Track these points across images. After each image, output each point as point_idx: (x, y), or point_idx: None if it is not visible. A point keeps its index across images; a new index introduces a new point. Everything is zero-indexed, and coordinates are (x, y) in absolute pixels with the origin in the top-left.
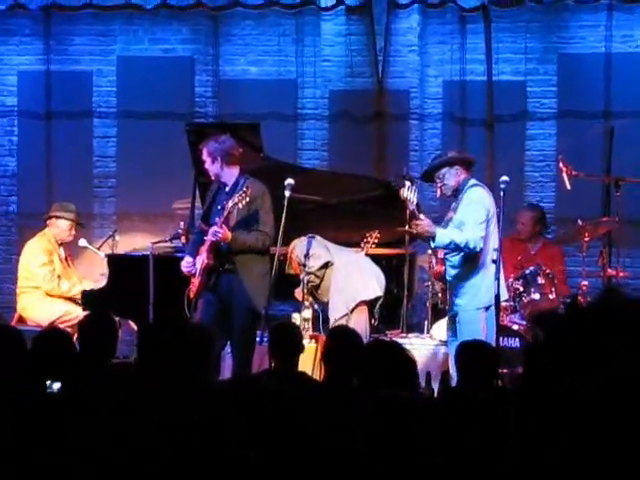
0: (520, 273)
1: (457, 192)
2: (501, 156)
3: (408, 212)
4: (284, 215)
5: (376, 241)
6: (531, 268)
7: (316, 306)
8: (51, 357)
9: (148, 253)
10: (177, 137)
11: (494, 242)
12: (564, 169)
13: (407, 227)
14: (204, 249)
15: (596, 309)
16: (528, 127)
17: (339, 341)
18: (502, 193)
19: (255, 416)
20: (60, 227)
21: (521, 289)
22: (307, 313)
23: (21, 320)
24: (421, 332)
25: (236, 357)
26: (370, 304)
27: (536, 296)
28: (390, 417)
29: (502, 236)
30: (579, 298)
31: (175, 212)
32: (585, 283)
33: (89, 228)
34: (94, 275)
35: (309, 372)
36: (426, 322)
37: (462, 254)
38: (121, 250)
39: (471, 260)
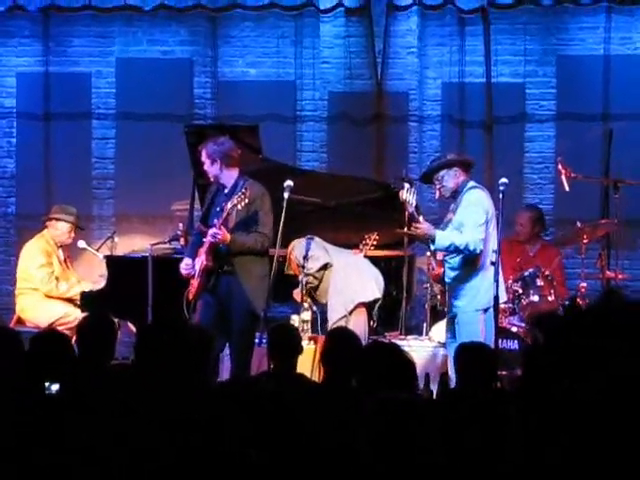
0: (519, 275)
1: (456, 194)
2: (500, 158)
3: (407, 214)
4: (283, 217)
5: (375, 243)
6: (530, 270)
7: (315, 308)
8: (49, 358)
9: (147, 254)
10: (176, 139)
11: (493, 244)
12: (563, 171)
13: (406, 229)
14: (203, 251)
15: (595, 311)
16: (527, 129)
17: (338, 343)
18: (501, 195)
19: (254, 417)
20: (60, 229)
21: (520, 291)
22: (306, 315)
23: (20, 321)
24: (420, 334)
25: (235, 359)
26: (369, 306)
27: (535, 298)
28: (389, 418)
29: (501, 238)
30: (578, 300)
31: (174, 214)
32: (584, 285)
33: (88, 230)
34: (93, 276)
35: (308, 374)
36: (425, 324)
37: (461, 256)
38: (120, 252)
39: (470, 262)
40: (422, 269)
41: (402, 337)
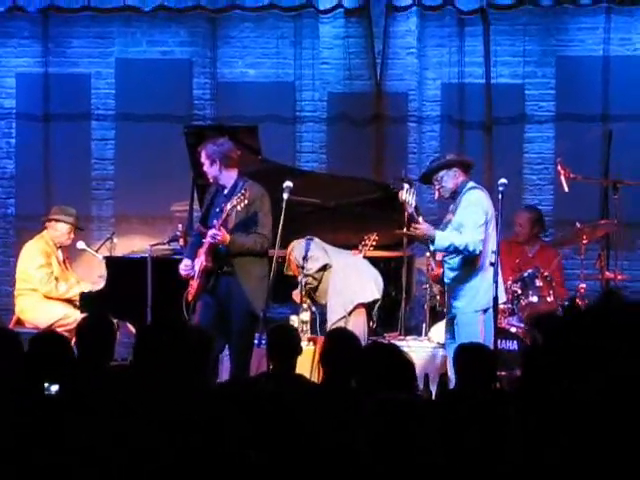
0: (518, 276)
1: (455, 194)
2: (499, 159)
3: (406, 214)
4: (282, 217)
5: (374, 244)
6: (529, 271)
7: (314, 308)
8: (48, 359)
9: (146, 255)
10: (175, 139)
11: (492, 245)
12: (562, 172)
13: (406, 230)
14: (202, 252)
15: (594, 312)
16: (526, 130)
17: (337, 343)
18: (500, 196)
19: (253, 418)
20: (59, 230)
21: (519, 292)
22: (305, 315)
23: (19, 322)
24: (419, 335)
25: (234, 359)
26: (368, 307)
27: (534, 299)
28: (389, 419)
29: (500, 239)
30: (577, 301)
31: (173, 214)
32: (583, 286)
33: (87, 230)
34: (92, 277)
35: (307, 374)
36: (424, 325)
37: (460, 256)
38: (119, 252)
39: (469, 262)
40: (421, 270)
41: (401, 338)
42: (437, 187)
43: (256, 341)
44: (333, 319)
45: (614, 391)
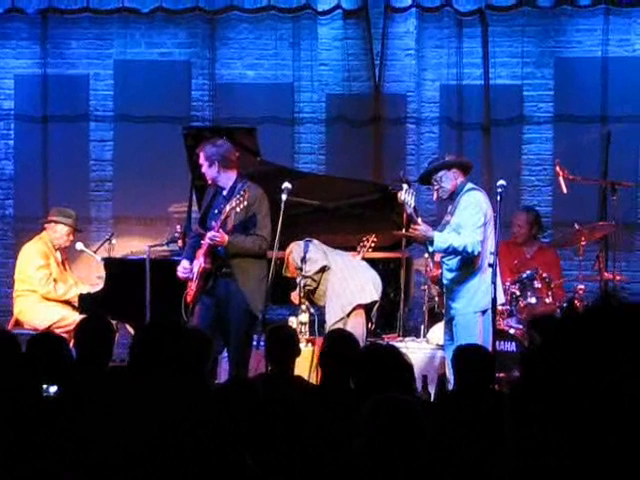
0: (517, 277)
1: (454, 195)
2: (498, 160)
3: (405, 215)
4: (281, 219)
5: (373, 245)
6: (528, 272)
7: (312, 310)
8: (46, 360)
9: (145, 257)
10: (174, 141)
11: (491, 246)
12: (561, 173)
13: (404, 231)
14: (201, 253)
15: (593, 313)
16: (525, 131)
17: (336, 345)
18: (499, 197)
19: (252, 420)
20: (58, 232)
21: (518, 293)
22: (304, 317)
23: (18, 324)
24: (418, 336)
25: (233, 361)
26: (367, 308)
27: (533, 300)
28: (387, 420)
29: (499, 240)
30: (576, 302)
31: (172, 216)
32: (582, 287)
33: (86, 232)
34: (91, 279)
35: (305, 376)
36: (423, 326)
37: (459, 257)
38: (118, 254)
39: (468, 264)
40: (420, 271)
41: (400, 339)
42: (436, 188)
43: (255, 342)
44: (332, 320)
45: (613, 393)
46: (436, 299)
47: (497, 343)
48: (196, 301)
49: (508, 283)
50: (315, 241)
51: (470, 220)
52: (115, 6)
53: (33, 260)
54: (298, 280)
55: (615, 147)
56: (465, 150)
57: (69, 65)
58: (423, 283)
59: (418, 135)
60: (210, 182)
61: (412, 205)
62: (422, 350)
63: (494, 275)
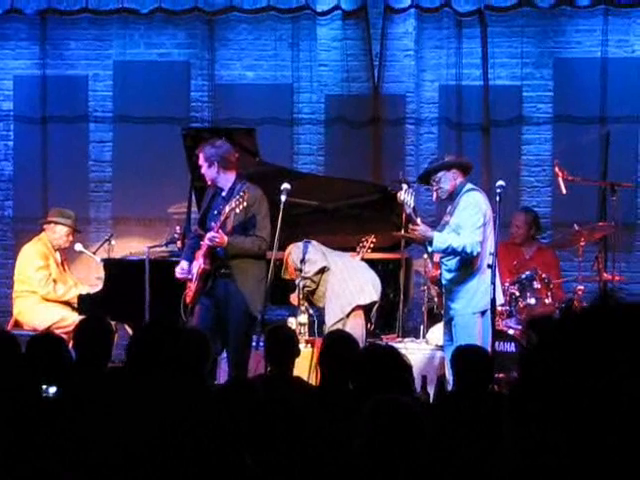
0: (516, 278)
1: (453, 196)
2: (497, 161)
3: (404, 215)
4: (280, 220)
5: (372, 246)
6: (527, 273)
7: (312, 311)
8: (46, 361)
9: (144, 257)
10: (173, 141)
11: (490, 246)
12: (560, 174)
13: (403, 231)
14: (201, 254)
15: (591, 313)
16: (524, 132)
17: (335, 345)
18: (498, 198)
19: (251, 420)
20: (57, 233)
21: (517, 294)
22: (303, 318)
23: (17, 324)
24: (417, 336)
25: (232, 362)
26: (366, 309)
27: (532, 301)
28: (386, 421)
29: (498, 241)
30: (575, 303)
31: (171, 216)
32: (581, 287)
33: (85, 233)
34: (90, 279)
35: (305, 376)
36: (422, 326)
37: (458, 258)
38: (117, 254)
39: (467, 264)
40: (419, 271)
41: (399, 340)
42: (435, 188)
43: (254, 343)
44: (331, 321)
45: (611, 393)
46: (435, 300)
47: (496, 344)
48: (195, 302)
49: (507, 284)
50: (314, 242)
51: (469, 221)
52: (114, 7)
53: (33, 261)
54: (297, 281)
55: (614, 148)
56: (464, 151)
57: (68, 66)
58: (422, 284)
59: (417, 136)
60: (209, 183)
61: (411, 205)
62: (421, 351)
63: (493, 276)
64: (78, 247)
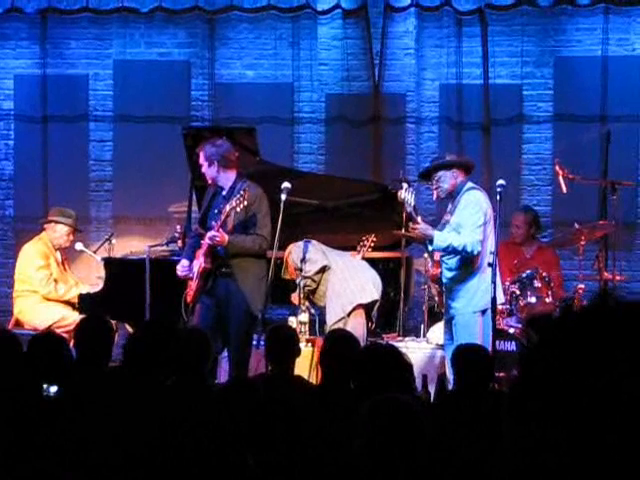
0: (516, 276)
1: (454, 195)
2: (497, 160)
3: (405, 214)
4: (280, 219)
5: (372, 245)
6: (527, 271)
7: (312, 310)
8: (47, 360)
9: (145, 257)
10: (173, 141)
11: (491, 245)
12: (560, 172)
13: (404, 230)
14: (201, 253)
15: (591, 311)
16: (524, 130)
17: (336, 344)
18: (499, 196)
19: (252, 420)
20: (58, 232)
21: (517, 292)
22: (304, 317)
23: (18, 324)
24: (417, 335)
25: (233, 361)
26: (367, 308)
27: (532, 299)
28: (386, 420)
29: (499, 240)
30: (575, 301)
31: (172, 216)
32: (582, 286)
33: (86, 232)
34: (91, 279)
35: (305, 376)
36: (422, 325)
37: (459, 257)
38: (118, 254)
39: (467, 263)
40: (419, 271)
41: (400, 339)
42: (434, 187)
43: (255, 342)
44: (332, 320)
45: (611, 391)
46: (436, 299)
47: (497, 342)
48: (196, 301)
49: (508, 282)
50: (314, 241)
51: (470, 219)
52: (114, 6)
53: (33, 260)
54: (298, 281)
55: (615, 146)
56: (465, 150)
57: (68, 65)
58: (423, 283)
59: (417, 135)
60: (210, 182)
61: (412, 204)
62: (422, 350)
63: (494, 274)
64: (79, 246)
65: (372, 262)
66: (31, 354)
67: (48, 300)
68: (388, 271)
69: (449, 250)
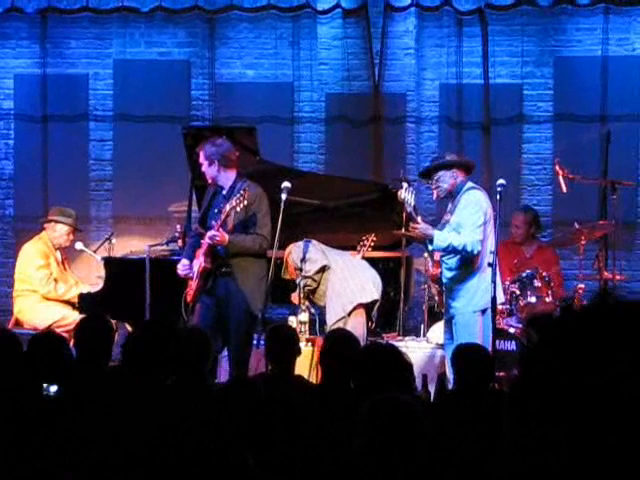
0: (516, 276)
1: (454, 194)
2: (498, 159)
3: (405, 214)
4: (280, 218)
5: (372, 244)
6: (527, 271)
7: (312, 309)
8: (47, 360)
9: (145, 256)
10: (173, 140)
11: (491, 245)
12: (560, 172)
13: (404, 230)
14: (201, 252)
15: (591, 311)
16: (525, 130)
17: (336, 344)
18: (499, 196)
19: (252, 419)
20: (58, 231)
21: (517, 292)
22: (304, 316)
23: (18, 323)
24: (418, 335)
25: (233, 360)
26: (367, 307)
27: (532, 299)
28: (386, 420)
29: (499, 239)
30: (575, 301)
31: (172, 215)
32: (582, 286)
33: (86, 231)
34: (91, 278)
35: (306, 375)
36: (422, 325)
37: (459, 257)
38: (118, 253)
39: (467, 263)
40: (420, 270)
41: (400, 338)
42: (434, 187)
43: (255, 342)
44: (332, 320)
45: (611, 391)
46: (436, 298)
47: (497, 342)
48: (196, 300)
49: (508, 282)
50: (314, 241)
51: (470, 219)
52: (114, 5)
53: (33, 260)
54: (298, 281)
55: (615, 146)
56: (465, 149)
57: (68, 65)
58: (423, 282)
59: (418, 134)
60: (210, 181)
61: (412, 204)
62: (422, 349)
63: (494, 274)
64: (79, 246)
65: (372, 262)
66: (31, 354)
67: (48, 300)
68: (388, 271)
69: (449, 250)
